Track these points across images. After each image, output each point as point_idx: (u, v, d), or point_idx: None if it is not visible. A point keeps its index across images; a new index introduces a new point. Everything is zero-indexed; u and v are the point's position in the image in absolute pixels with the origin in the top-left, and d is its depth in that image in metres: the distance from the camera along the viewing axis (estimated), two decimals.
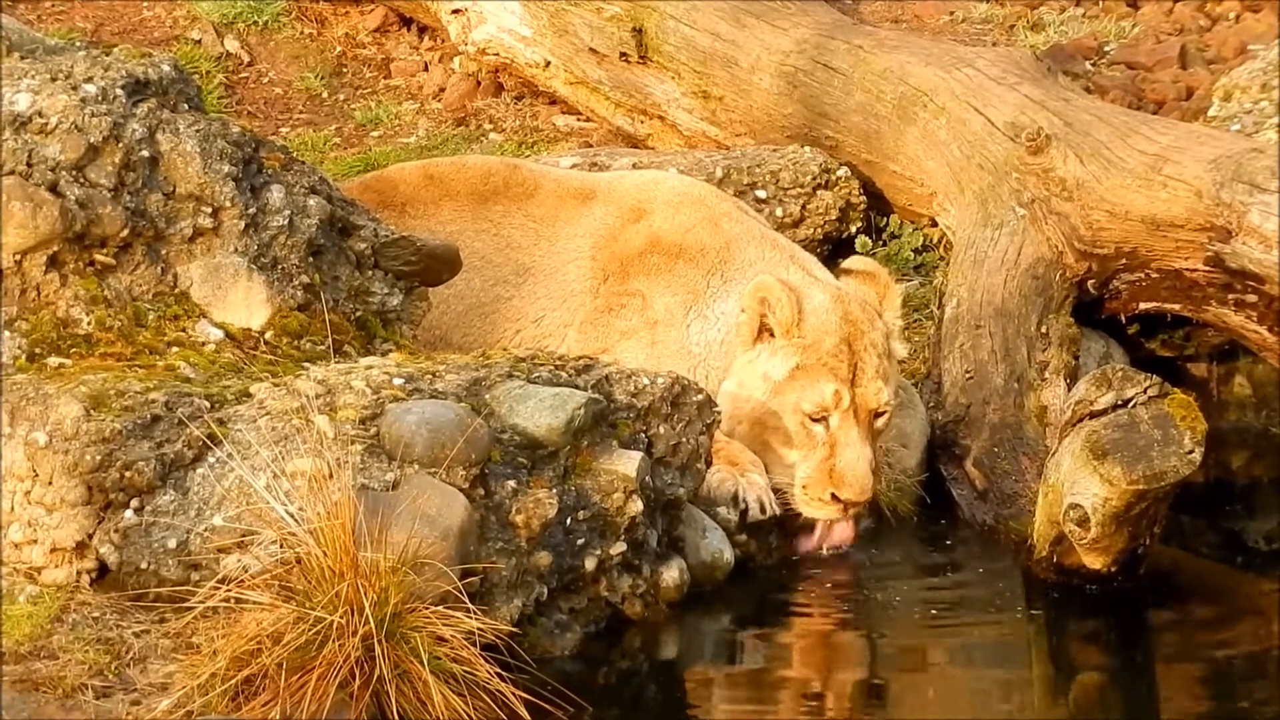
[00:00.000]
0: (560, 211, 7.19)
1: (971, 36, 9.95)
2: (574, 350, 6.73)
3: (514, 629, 5.41)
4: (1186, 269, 7.48)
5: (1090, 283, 7.68)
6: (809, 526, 6.68)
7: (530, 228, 7.18)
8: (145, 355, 5.93)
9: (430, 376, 5.81)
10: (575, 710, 5.29)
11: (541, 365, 6.03)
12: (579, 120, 9.76)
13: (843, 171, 8.43)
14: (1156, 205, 7.44)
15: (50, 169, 5.92)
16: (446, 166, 7.44)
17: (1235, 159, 7.25)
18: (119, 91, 6.07)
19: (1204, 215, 7.30)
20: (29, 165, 5.90)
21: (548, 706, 5.21)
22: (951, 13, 10.26)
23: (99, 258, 5.98)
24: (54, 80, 6.07)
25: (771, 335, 6.72)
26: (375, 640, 5.10)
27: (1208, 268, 7.39)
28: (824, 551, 6.69)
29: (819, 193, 8.39)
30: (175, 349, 5.99)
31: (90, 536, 5.55)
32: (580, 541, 5.78)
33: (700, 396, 6.20)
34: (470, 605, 5.21)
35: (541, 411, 5.76)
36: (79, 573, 5.57)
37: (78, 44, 6.78)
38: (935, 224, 8.40)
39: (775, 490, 6.59)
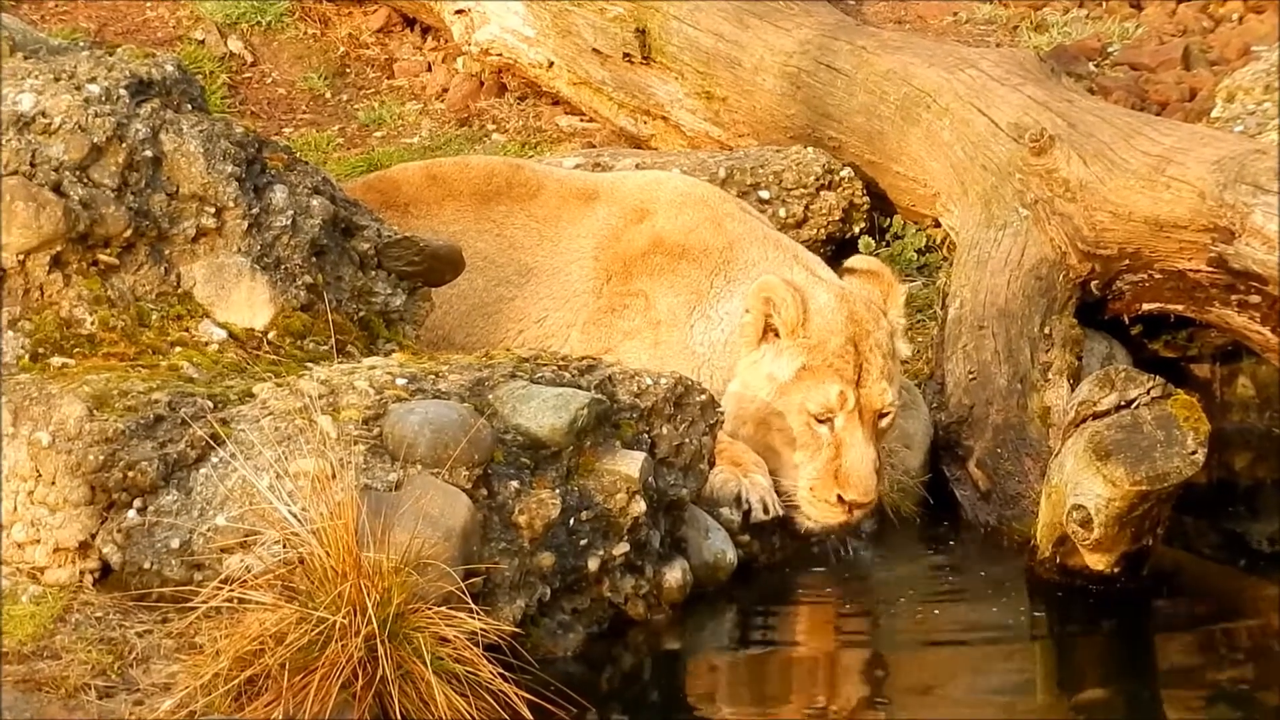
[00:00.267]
0: (563, 212, 7.18)
1: (975, 37, 9.95)
2: (577, 350, 6.73)
3: (517, 629, 5.41)
4: (1189, 270, 7.47)
5: (1093, 284, 7.67)
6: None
7: (533, 228, 7.17)
8: (148, 355, 5.92)
9: (433, 377, 5.81)
10: (578, 711, 5.29)
11: (544, 365, 6.02)
12: (582, 121, 9.76)
13: (846, 172, 8.42)
14: (1160, 206, 7.44)
15: (54, 169, 5.92)
16: (449, 167, 7.43)
17: (1238, 160, 7.24)
18: (122, 92, 6.07)
19: (1207, 216, 7.29)
20: (32, 165, 5.90)
21: (550, 707, 5.20)
22: (955, 13, 10.26)
23: (102, 258, 5.98)
24: (57, 80, 6.07)
25: (776, 335, 6.70)
26: (378, 641, 5.09)
27: (1211, 269, 7.39)
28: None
29: (822, 193, 8.38)
30: (178, 349, 5.98)
31: (93, 536, 5.55)
32: (583, 542, 5.78)
33: (703, 397, 6.19)
34: (473, 606, 5.21)
35: (544, 412, 5.76)
36: (82, 573, 5.56)
37: (81, 44, 6.77)
38: (938, 225, 8.40)
39: (778, 491, 6.59)
